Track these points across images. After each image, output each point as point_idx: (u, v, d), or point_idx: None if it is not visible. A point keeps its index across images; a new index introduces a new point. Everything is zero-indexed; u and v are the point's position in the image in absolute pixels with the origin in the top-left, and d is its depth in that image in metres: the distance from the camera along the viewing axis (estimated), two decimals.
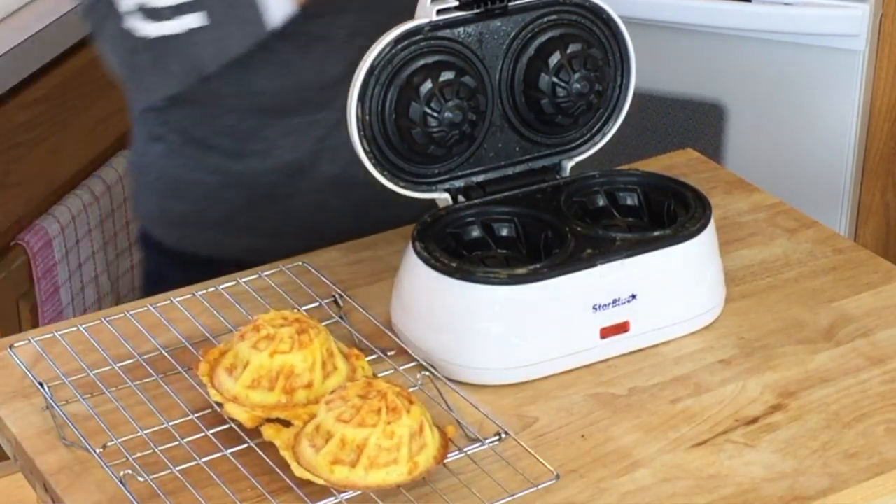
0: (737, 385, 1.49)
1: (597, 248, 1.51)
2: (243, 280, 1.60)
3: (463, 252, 1.56)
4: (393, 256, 1.64)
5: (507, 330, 1.48)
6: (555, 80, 1.62)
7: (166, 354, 1.48)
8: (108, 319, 1.53)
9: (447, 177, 1.62)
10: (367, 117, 1.57)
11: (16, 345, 1.49)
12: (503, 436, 1.36)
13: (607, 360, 1.52)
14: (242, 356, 1.40)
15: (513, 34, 1.62)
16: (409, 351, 1.48)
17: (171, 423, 1.38)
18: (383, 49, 1.55)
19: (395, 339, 1.51)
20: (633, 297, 1.52)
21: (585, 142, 1.69)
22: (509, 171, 1.65)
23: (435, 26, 1.57)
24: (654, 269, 1.52)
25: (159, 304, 1.55)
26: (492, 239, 1.58)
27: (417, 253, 1.50)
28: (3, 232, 2.28)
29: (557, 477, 1.33)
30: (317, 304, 1.56)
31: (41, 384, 1.43)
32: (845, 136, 2.58)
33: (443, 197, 1.62)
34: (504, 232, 1.59)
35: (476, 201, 1.61)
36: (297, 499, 1.30)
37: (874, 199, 2.66)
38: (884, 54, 2.57)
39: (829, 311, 1.61)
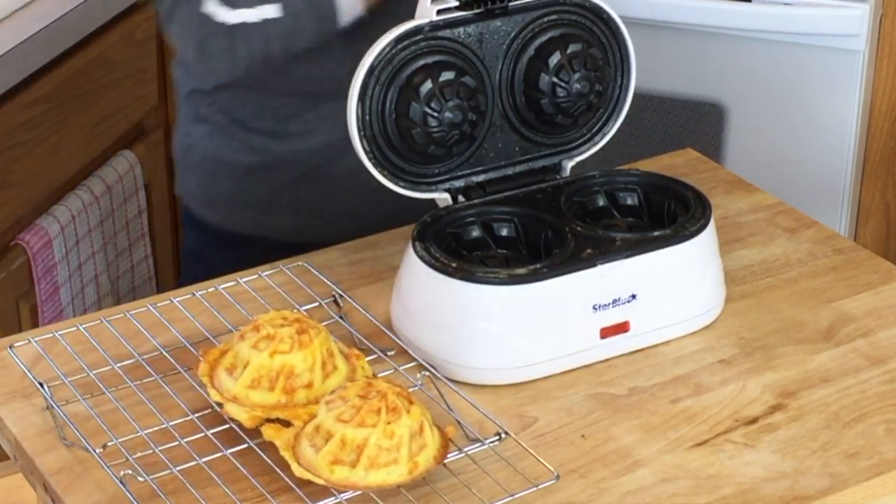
0: (737, 385, 1.49)
1: (597, 248, 1.51)
2: (243, 280, 1.60)
3: (463, 252, 1.56)
4: (393, 256, 1.64)
5: (507, 330, 1.48)
6: (555, 80, 1.62)
7: (166, 354, 1.48)
8: (108, 319, 1.53)
9: (447, 177, 1.62)
10: (367, 117, 1.57)
11: (16, 345, 1.49)
12: (503, 436, 1.36)
13: (607, 360, 1.52)
14: (242, 356, 1.40)
15: (513, 34, 1.62)
16: (409, 351, 1.48)
17: (171, 423, 1.38)
18: (383, 49, 1.55)
19: (395, 339, 1.51)
20: (633, 297, 1.52)
21: (585, 142, 1.69)
22: (509, 171, 1.65)
23: (435, 26, 1.57)
24: (654, 269, 1.52)
25: (159, 304, 1.56)
26: (492, 239, 1.58)
27: (417, 253, 1.50)
28: (3, 232, 2.28)
29: (557, 477, 1.33)
30: (317, 304, 1.56)
31: (41, 384, 1.43)
32: (845, 136, 2.58)
33: (443, 197, 1.62)
34: (504, 232, 1.59)
35: (476, 201, 1.61)
36: (297, 499, 1.30)
37: (874, 199, 2.66)
38: (884, 54, 2.57)
39: (829, 311, 1.61)
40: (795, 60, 2.56)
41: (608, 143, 1.70)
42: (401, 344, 1.50)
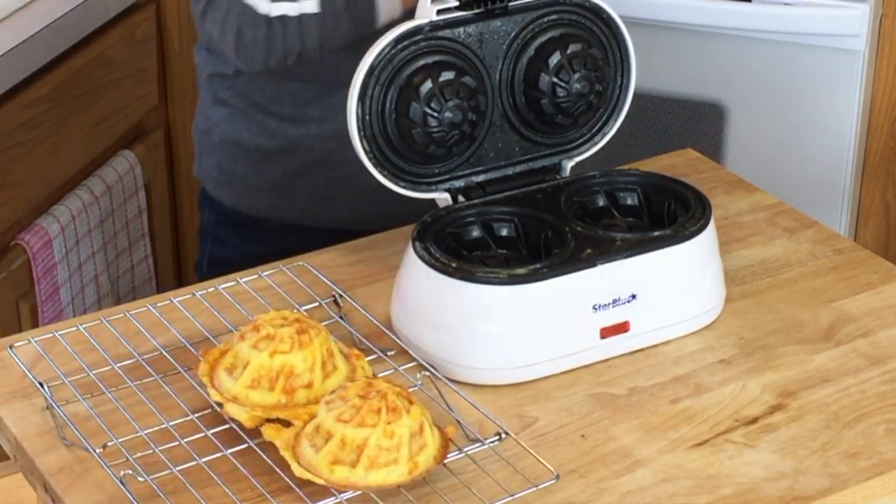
0: (737, 385, 1.49)
1: (597, 248, 1.51)
2: (243, 280, 1.60)
3: (463, 252, 1.56)
4: (393, 256, 1.64)
5: (507, 330, 1.48)
6: (555, 80, 1.62)
7: (166, 354, 1.48)
8: (108, 319, 1.53)
9: (447, 177, 1.62)
10: (367, 117, 1.57)
11: (16, 345, 1.49)
12: (503, 436, 1.36)
13: (607, 360, 1.52)
14: (242, 356, 1.40)
15: (513, 34, 1.62)
16: (409, 351, 1.48)
17: (171, 423, 1.38)
18: (383, 49, 1.55)
19: (395, 339, 1.51)
20: (633, 297, 1.52)
21: (585, 142, 1.69)
22: (509, 171, 1.65)
23: (435, 26, 1.57)
24: (654, 269, 1.52)
25: (159, 304, 1.55)
26: (492, 239, 1.58)
27: (417, 253, 1.50)
28: (3, 232, 2.28)
29: (557, 477, 1.33)
30: (317, 304, 1.56)
31: (41, 384, 1.43)
32: (845, 136, 2.58)
33: (443, 197, 1.62)
34: (504, 232, 1.59)
35: (476, 201, 1.61)
36: (297, 499, 1.30)
37: (874, 199, 2.66)
38: (884, 54, 2.57)
39: (829, 311, 1.61)
40: (795, 60, 2.56)
41: (608, 143, 1.70)
42: (401, 344, 1.50)
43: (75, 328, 1.52)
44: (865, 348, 1.55)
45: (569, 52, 1.62)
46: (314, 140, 1.85)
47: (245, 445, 1.35)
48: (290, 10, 1.71)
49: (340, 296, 1.57)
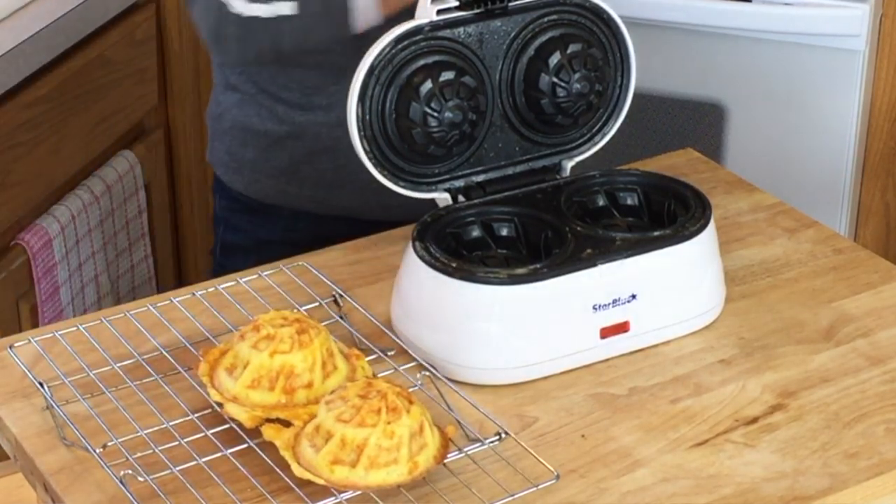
0: (737, 385, 1.49)
1: (597, 248, 1.51)
2: (243, 280, 1.60)
3: (463, 252, 1.56)
4: (393, 256, 1.64)
5: (507, 330, 1.48)
6: (555, 80, 1.62)
7: (166, 354, 1.48)
8: (108, 319, 1.53)
9: (447, 177, 1.62)
10: (367, 117, 1.57)
11: (16, 345, 1.49)
12: (503, 436, 1.36)
13: (607, 360, 1.52)
14: (242, 356, 1.40)
15: (513, 34, 1.62)
16: (409, 351, 1.48)
17: (171, 423, 1.38)
18: (383, 49, 1.55)
19: (395, 339, 1.51)
20: (633, 297, 1.52)
21: (585, 142, 1.69)
22: (509, 171, 1.65)
23: (435, 26, 1.57)
24: (654, 269, 1.52)
25: (159, 304, 1.55)
26: (492, 239, 1.58)
27: (417, 253, 1.50)
28: (3, 232, 2.28)
29: (557, 477, 1.33)
30: (317, 304, 1.56)
31: (41, 384, 1.43)
32: (845, 136, 2.58)
33: (443, 197, 1.62)
34: (504, 232, 1.59)
35: (476, 201, 1.61)
36: (297, 499, 1.30)
37: (874, 199, 2.66)
38: (884, 54, 2.57)
39: (829, 311, 1.61)
40: (795, 60, 2.56)
41: (608, 143, 1.70)
42: (401, 344, 1.50)
43: (75, 328, 1.52)
44: (865, 348, 1.55)
45: (569, 52, 1.62)
46: (321, 127, 1.86)
47: (245, 445, 1.35)
48: (264, 11, 1.71)
49: (340, 296, 1.57)
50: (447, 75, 1.57)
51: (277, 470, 1.32)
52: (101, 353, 1.48)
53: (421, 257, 1.50)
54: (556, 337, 1.49)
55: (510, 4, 1.60)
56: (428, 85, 1.56)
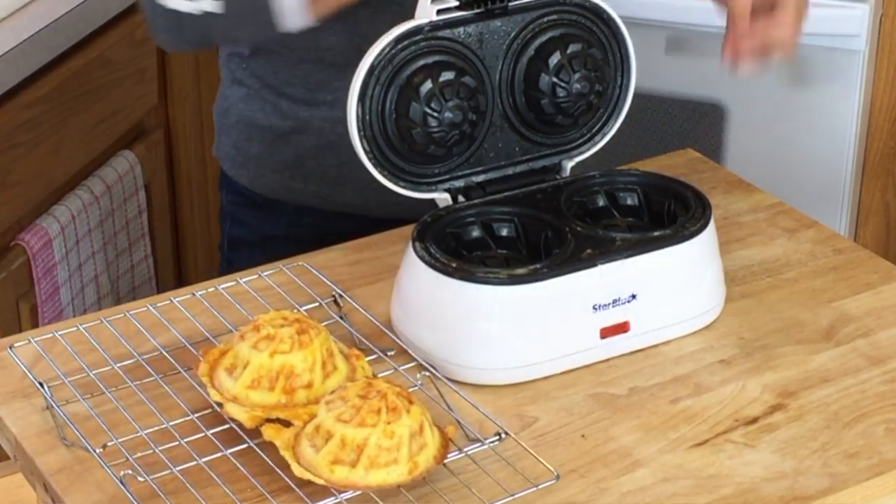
0: (737, 385, 1.49)
1: (597, 248, 1.51)
2: (243, 280, 1.60)
3: (463, 252, 1.56)
4: (393, 256, 1.64)
5: (507, 330, 1.48)
6: (555, 80, 1.62)
7: (166, 354, 1.48)
8: (108, 319, 1.53)
9: (447, 177, 1.62)
10: (367, 117, 1.57)
11: (16, 345, 1.49)
12: (503, 436, 1.36)
13: (607, 360, 1.52)
14: (242, 356, 1.40)
15: (513, 34, 1.62)
16: (409, 351, 1.48)
17: (171, 423, 1.38)
18: (383, 49, 1.55)
19: (395, 339, 1.51)
20: (633, 297, 1.52)
21: (585, 142, 1.69)
22: (509, 171, 1.65)
23: (435, 26, 1.57)
24: (654, 269, 1.52)
25: (159, 304, 1.55)
26: (492, 239, 1.58)
27: (417, 253, 1.50)
28: (3, 232, 2.28)
29: (557, 477, 1.33)
30: (317, 304, 1.56)
31: (41, 384, 1.43)
32: (845, 136, 2.58)
33: (443, 197, 1.62)
34: (504, 232, 1.59)
35: (476, 201, 1.61)
36: (297, 499, 1.30)
37: (874, 199, 2.66)
38: (884, 54, 2.57)
39: (829, 311, 1.61)
40: (796, 60, 2.56)
41: (608, 143, 1.70)
42: (401, 344, 1.50)
43: (75, 328, 1.52)
44: (865, 348, 1.55)
45: (569, 52, 1.62)
46: (325, 123, 1.86)
47: (245, 445, 1.35)
48: (186, 7, 1.68)
49: (340, 296, 1.57)
50: (447, 75, 1.57)
51: (277, 470, 1.32)
52: (101, 353, 1.48)
53: (421, 257, 1.50)
54: (556, 337, 1.49)
55: (510, 4, 1.60)
56: (428, 85, 1.56)
